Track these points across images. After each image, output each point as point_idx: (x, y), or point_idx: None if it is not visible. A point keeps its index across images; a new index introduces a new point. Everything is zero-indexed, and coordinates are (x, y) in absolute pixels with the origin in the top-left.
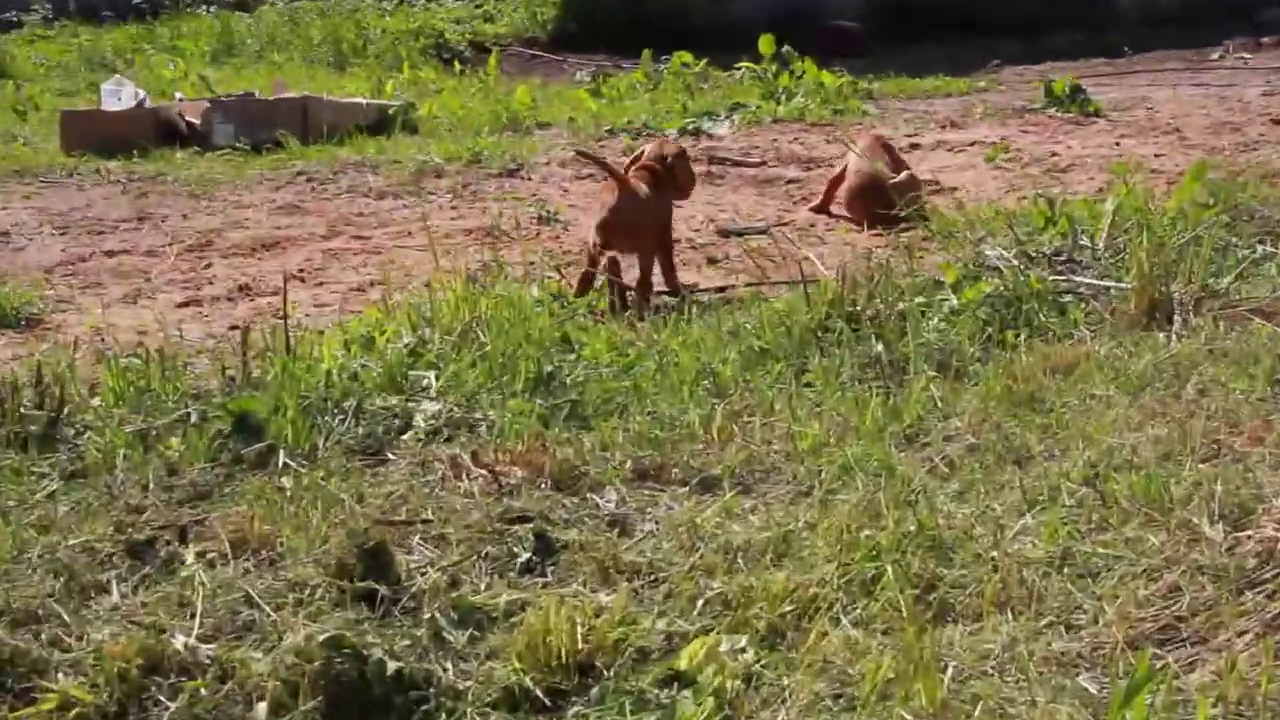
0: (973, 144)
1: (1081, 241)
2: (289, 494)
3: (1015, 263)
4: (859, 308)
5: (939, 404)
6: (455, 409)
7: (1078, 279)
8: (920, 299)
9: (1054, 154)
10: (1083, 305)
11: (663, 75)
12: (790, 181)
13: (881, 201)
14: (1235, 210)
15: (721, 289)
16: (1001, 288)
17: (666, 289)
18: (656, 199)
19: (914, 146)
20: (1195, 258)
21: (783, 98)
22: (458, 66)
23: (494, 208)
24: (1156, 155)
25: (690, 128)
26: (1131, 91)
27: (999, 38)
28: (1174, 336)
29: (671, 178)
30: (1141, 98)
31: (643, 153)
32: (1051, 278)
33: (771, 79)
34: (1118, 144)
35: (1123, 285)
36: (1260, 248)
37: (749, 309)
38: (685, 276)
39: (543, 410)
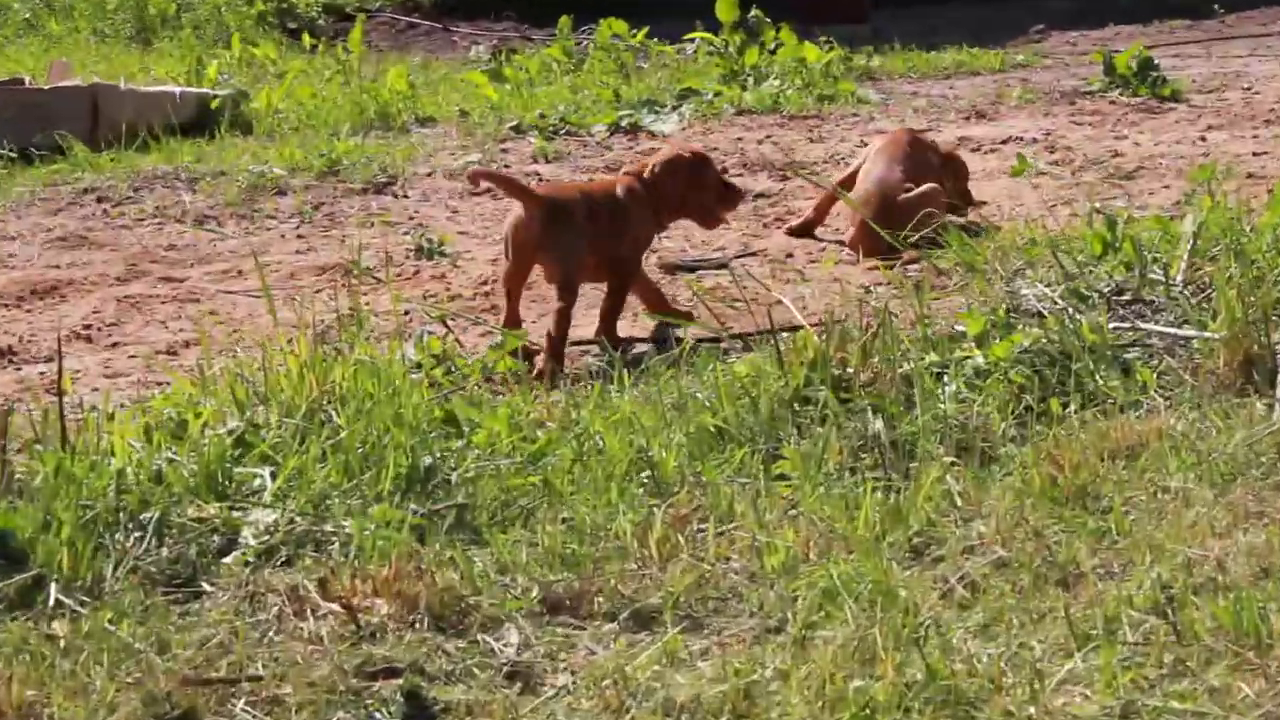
0: (1006, 141)
1: (1153, 275)
2: (62, 644)
3: (1063, 305)
4: (850, 370)
5: (957, 502)
6: (297, 520)
7: (1147, 326)
8: (933, 357)
9: (1116, 154)
10: (1154, 362)
11: (587, 51)
12: (760, 196)
13: (888, 223)
14: None
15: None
16: (1044, 340)
17: (596, 338)
18: (609, 221)
19: None
20: None
21: (750, 81)
22: (308, 41)
23: (355, 236)
24: (1256, 154)
25: (624, 123)
26: (1224, 65)
27: None
28: (1277, 405)
29: (654, 194)
30: (1237, 74)
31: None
32: (1113, 326)
33: (735, 55)
34: (1203, 138)
35: (1209, 335)
36: None
37: (701, 374)
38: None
39: (418, 520)
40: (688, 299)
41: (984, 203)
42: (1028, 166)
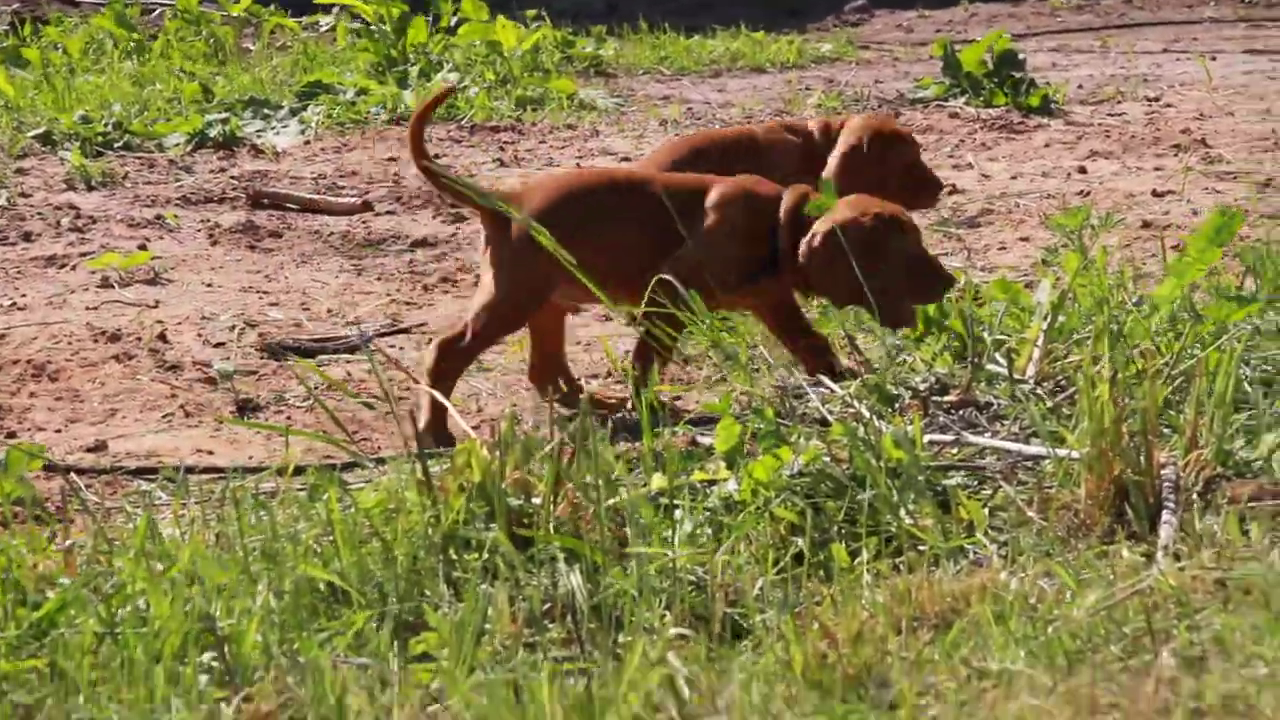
0: None
1: (991, 366)
2: None
3: (857, 409)
4: (536, 501)
5: (683, 693)
6: None
7: (979, 440)
8: (660, 482)
9: (954, 189)
10: (986, 492)
11: (162, 25)
12: (420, 244)
13: None
14: None
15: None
16: (827, 459)
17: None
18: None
19: None
20: (1209, 401)
21: (413, 73)
22: None
23: None
24: (1158, 194)
25: (216, 133)
26: (1126, 65)
27: None
28: (1158, 554)
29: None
30: (1143, 77)
31: None
32: (929, 439)
33: (392, 36)
34: (1083, 170)
35: (1066, 454)
36: None
37: (311, 505)
38: (170, 440)
39: None
40: (297, 396)
41: None
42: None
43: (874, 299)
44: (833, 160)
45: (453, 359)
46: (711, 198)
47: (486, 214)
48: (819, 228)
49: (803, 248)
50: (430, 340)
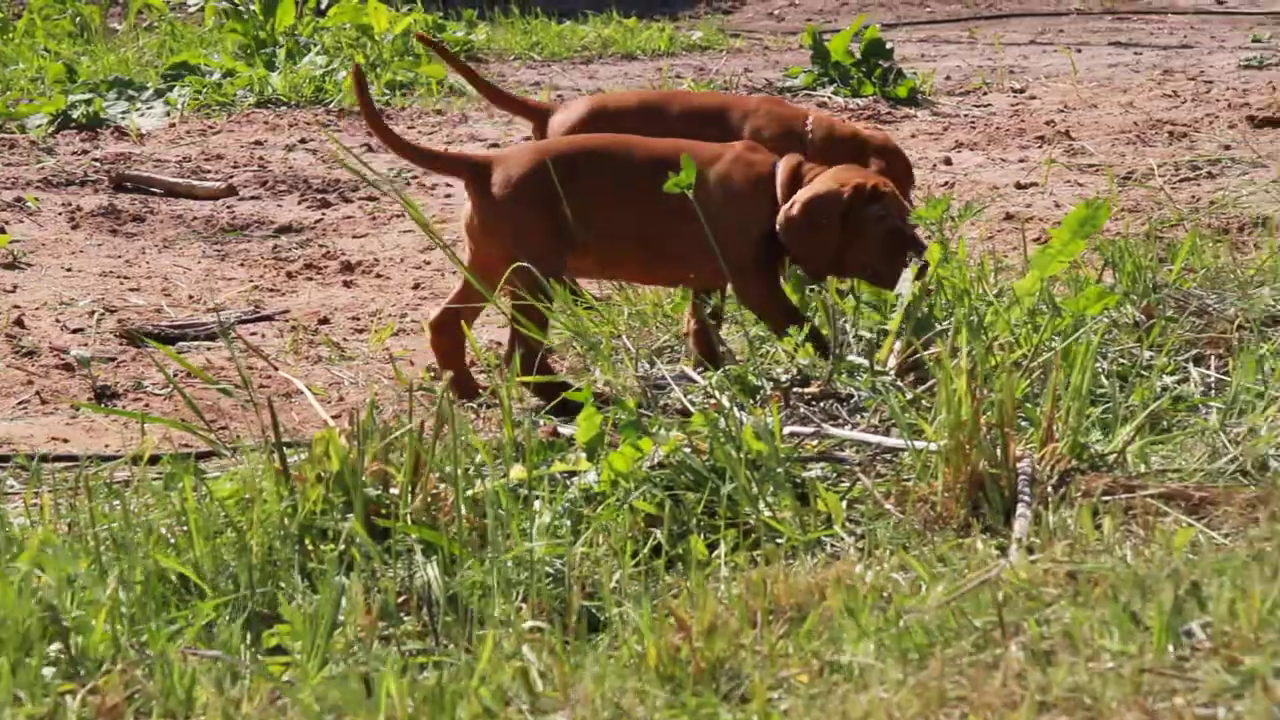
0: None
1: (853, 358)
2: None
3: (717, 400)
4: (394, 491)
5: (536, 686)
6: None
7: (839, 432)
8: (520, 473)
9: None
10: (845, 484)
11: (26, 4)
12: (285, 230)
13: None
14: (1152, 300)
15: None
16: (687, 451)
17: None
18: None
19: None
20: (1066, 394)
21: (280, 55)
22: None
23: None
24: (1021, 186)
25: (79, 115)
26: (994, 57)
27: None
28: (1013, 546)
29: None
30: (1010, 69)
31: None
32: (789, 430)
33: (260, 18)
34: (948, 161)
35: (924, 446)
36: (1195, 372)
37: (166, 494)
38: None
39: None
40: (157, 383)
41: None
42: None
43: (857, 273)
44: None
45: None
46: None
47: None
48: (798, 196)
49: (780, 217)
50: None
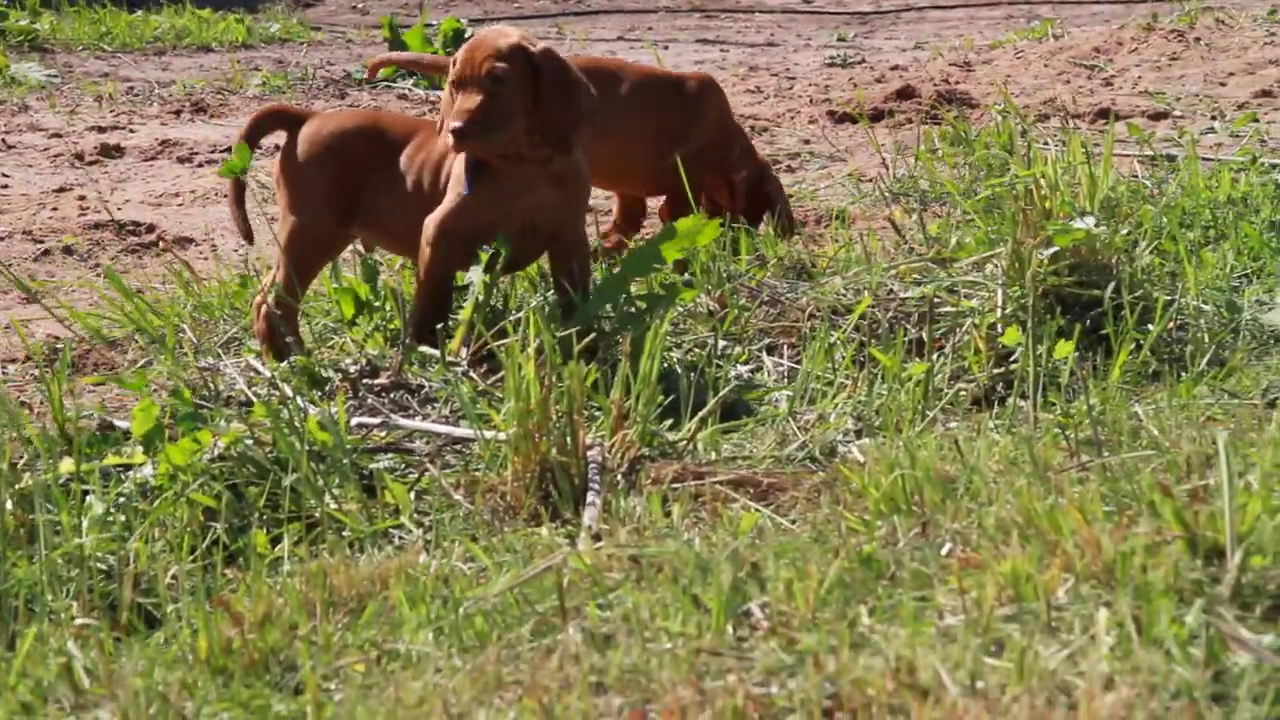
0: (228, 149)
1: (422, 351)
2: None
3: (283, 389)
4: None
5: (81, 683)
6: None
7: (408, 422)
8: (67, 465)
9: None
10: (413, 476)
11: None
12: None
13: None
14: (726, 289)
15: None
16: (249, 441)
17: None
18: None
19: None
20: (636, 382)
21: None
22: None
23: None
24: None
25: None
26: (576, 52)
27: None
28: (581, 533)
29: None
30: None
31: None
32: (356, 422)
33: None
34: None
35: (493, 435)
36: (769, 361)
37: None
38: None
39: None
40: None
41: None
42: (240, 167)
43: None
44: None
45: None
46: None
47: None
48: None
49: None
50: None
